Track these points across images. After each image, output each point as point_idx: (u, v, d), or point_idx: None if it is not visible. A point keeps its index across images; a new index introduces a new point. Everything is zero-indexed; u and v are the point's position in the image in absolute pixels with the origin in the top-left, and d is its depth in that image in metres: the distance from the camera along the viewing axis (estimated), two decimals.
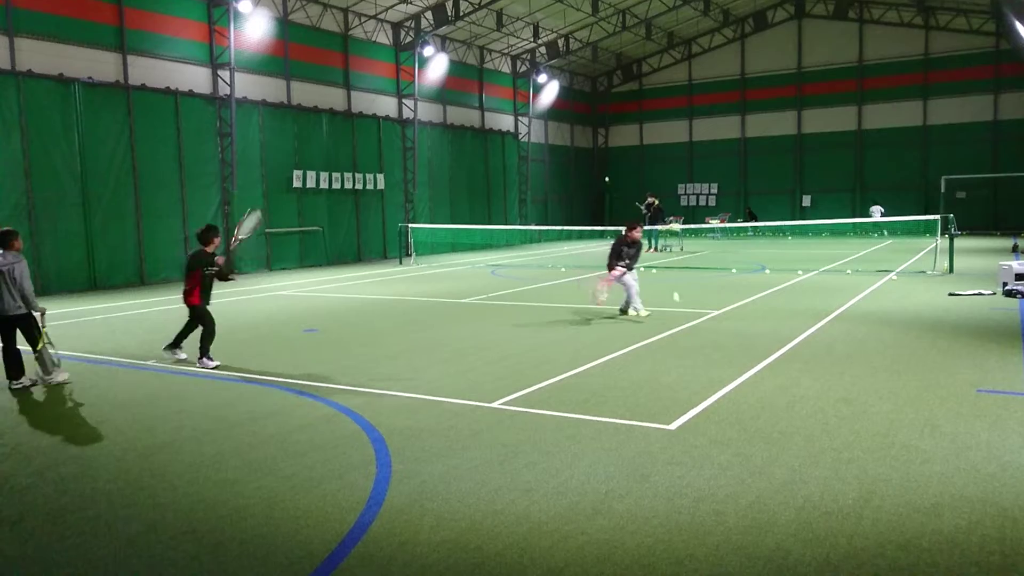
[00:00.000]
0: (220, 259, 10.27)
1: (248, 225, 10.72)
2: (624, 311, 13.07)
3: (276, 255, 25.20)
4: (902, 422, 6.67)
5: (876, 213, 35.39)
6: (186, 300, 10.09)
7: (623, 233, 13.38)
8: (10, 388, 8.88)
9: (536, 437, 6.49)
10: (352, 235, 28.22)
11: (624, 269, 12.78)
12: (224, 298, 17.45)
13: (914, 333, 10.93)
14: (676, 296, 14.83)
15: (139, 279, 21.12)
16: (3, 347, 8.98)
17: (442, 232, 30.12)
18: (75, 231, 19.65)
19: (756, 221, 36.23)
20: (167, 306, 16.26)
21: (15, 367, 8.95)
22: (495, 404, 7.56)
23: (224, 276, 10.35)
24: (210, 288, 10.23)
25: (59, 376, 9.11)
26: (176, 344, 10.29)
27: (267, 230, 24.71)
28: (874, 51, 38.45)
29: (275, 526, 4.87)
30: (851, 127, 39.38)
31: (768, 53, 40.81)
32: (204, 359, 9.81)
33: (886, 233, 33.25)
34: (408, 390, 8.26)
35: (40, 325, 9.11)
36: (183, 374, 9.48)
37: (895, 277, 17.87)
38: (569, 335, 11.41)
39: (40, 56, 19.11)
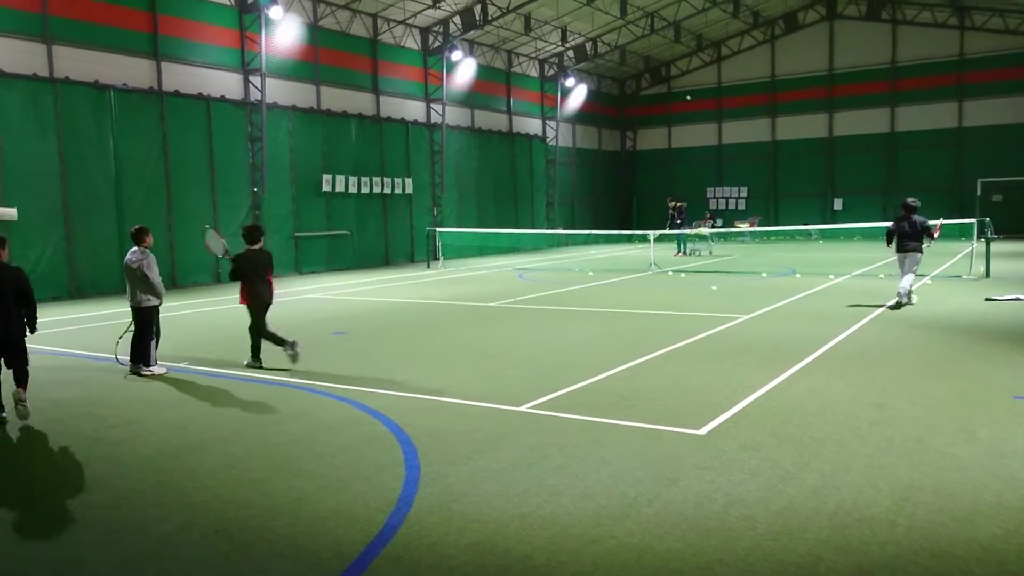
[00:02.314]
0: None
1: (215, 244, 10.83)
2: (906, 299, 13.65)
3: (305, 258, 25.41)
4: (936, 428, 6.56)
5: (703, 226, 32.31)
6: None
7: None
8: (140, 374, 9.63)
9: (563, 440, 6.47)
10: (380, 239, 28.37)
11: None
12: None
13: (948, 338, 10.74)
14: None
15: (171, 282, 21.38)
16: (136, 336, 9.75)
17: (469, 236, 30.18)
18: (109, 234, 19.95)
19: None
20: (199, 308, 16.49)
21: (146, 354, 9.72)
22: (522, 408, 7.55)
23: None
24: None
25: (159, 370, 9.79)
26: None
27: (296, 234, 24.95)
28: (907, 52, 37.90)
29: (305, 526, 4.91)
30: (884, 129, 38.83)
31: (799, 55, 40.38)
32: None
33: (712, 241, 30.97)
34: (435, 393, 8.28)
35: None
36: (212, 375, 9.59)
37: (929, 281, 17.58)
38: (596, 339, 11.37)
39: (77, 63, 19.47)
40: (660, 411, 7.30)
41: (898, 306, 13.56)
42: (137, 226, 10.00)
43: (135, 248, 9.74)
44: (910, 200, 14.22)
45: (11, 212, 17.07)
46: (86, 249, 19.55)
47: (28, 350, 7.88)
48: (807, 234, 37.09)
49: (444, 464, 5.96)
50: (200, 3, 22.30)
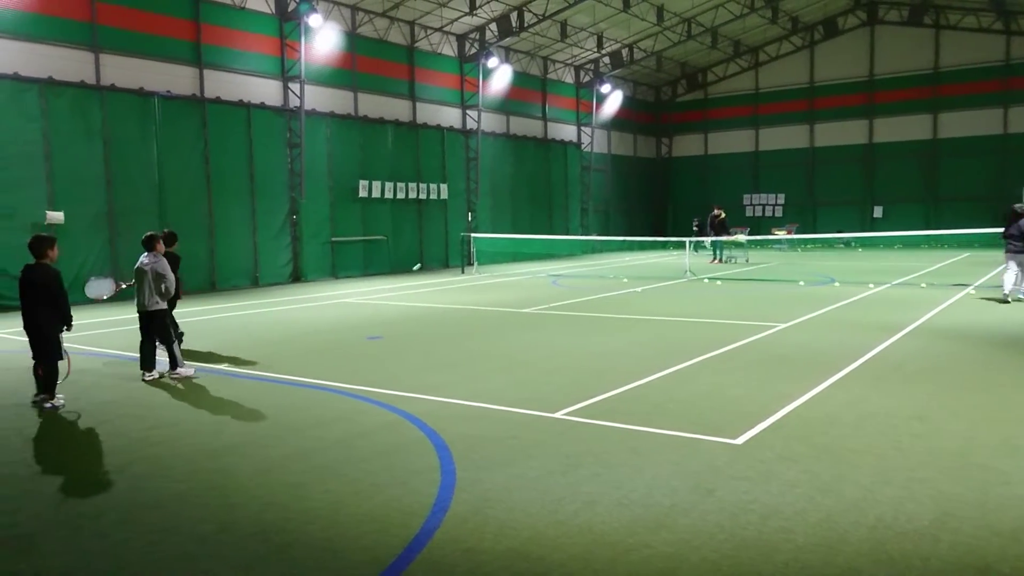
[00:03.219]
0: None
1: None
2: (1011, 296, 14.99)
3: (341, 263, 25.67)
4: (979, 441, 6.42)
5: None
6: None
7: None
8: (143, 379, 9.70)
9: (598, 448, 6.45)
10: (415, 244, 28.56)
11: None
12: (291, 305, 17.87)
13: (991, 350, 10.51)
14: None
15: (211, 285, 21.76)
16: (142, 340, 9.87)
17: (503, 241, 30.23)
18: None
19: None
20: (237, 312, 16.73)
21: (149, 360, 9.81)
22: (557, 414, 7.55)
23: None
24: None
25: (186, 371, 9.86)
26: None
27: (333, 239, 25.20)
28: (950, 57, 37.21)
29: (341, 530, 4.95)
30: (926, 136, 38.16)
31: (838, 61, 39.85)
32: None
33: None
34: (470, 398, 8.31)
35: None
36: (251, 378, 9.72)
37: (972, 291, 17.22)
38: (631, 346, 11.32)
39: (122, 71, 19.92)
40: (696, 420, 7.24)
41: (1004, 301, 14.93)
42: (149, 233, 10.20)
43: (148, 252, 9.90)
44: (1017, 206, 15.40)
45: (58, 216, 17.62)
46: (128, 253, 19.86)
47: (66, 351, 8.58)
48: (846, 242, 36.56)
49: (479, 470, 5.98)
50: (241, 12, 22.70)
